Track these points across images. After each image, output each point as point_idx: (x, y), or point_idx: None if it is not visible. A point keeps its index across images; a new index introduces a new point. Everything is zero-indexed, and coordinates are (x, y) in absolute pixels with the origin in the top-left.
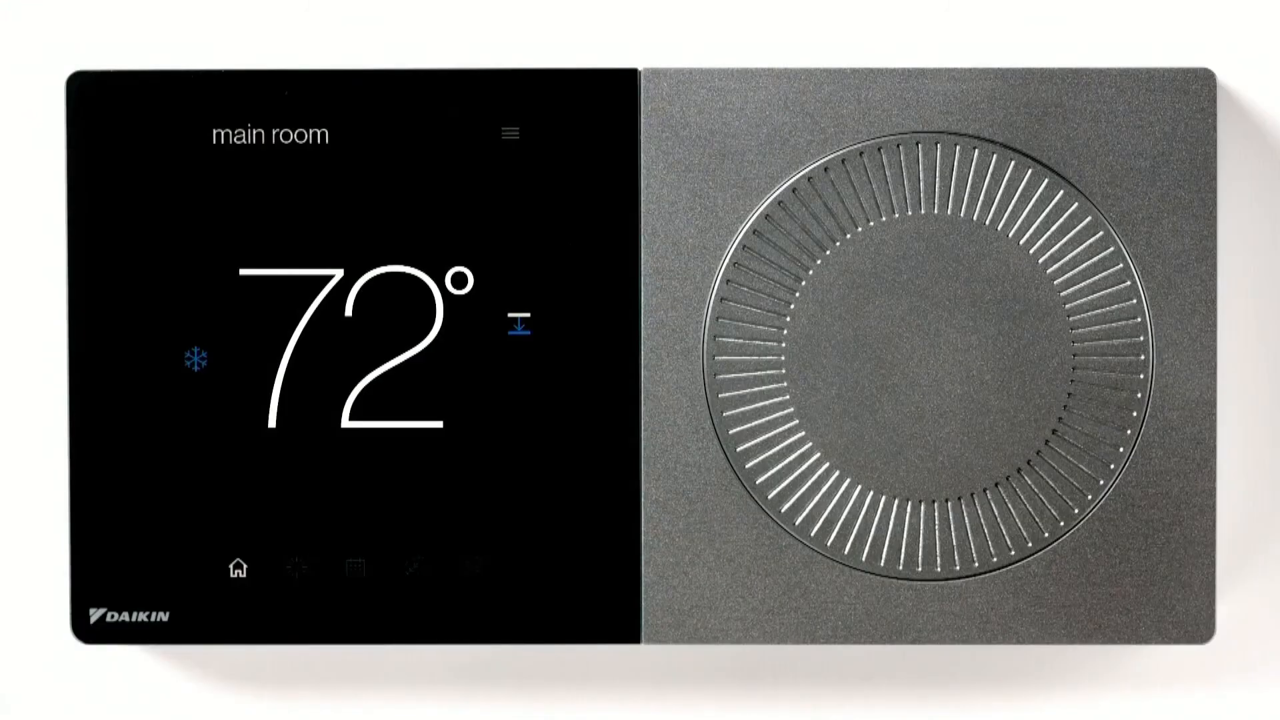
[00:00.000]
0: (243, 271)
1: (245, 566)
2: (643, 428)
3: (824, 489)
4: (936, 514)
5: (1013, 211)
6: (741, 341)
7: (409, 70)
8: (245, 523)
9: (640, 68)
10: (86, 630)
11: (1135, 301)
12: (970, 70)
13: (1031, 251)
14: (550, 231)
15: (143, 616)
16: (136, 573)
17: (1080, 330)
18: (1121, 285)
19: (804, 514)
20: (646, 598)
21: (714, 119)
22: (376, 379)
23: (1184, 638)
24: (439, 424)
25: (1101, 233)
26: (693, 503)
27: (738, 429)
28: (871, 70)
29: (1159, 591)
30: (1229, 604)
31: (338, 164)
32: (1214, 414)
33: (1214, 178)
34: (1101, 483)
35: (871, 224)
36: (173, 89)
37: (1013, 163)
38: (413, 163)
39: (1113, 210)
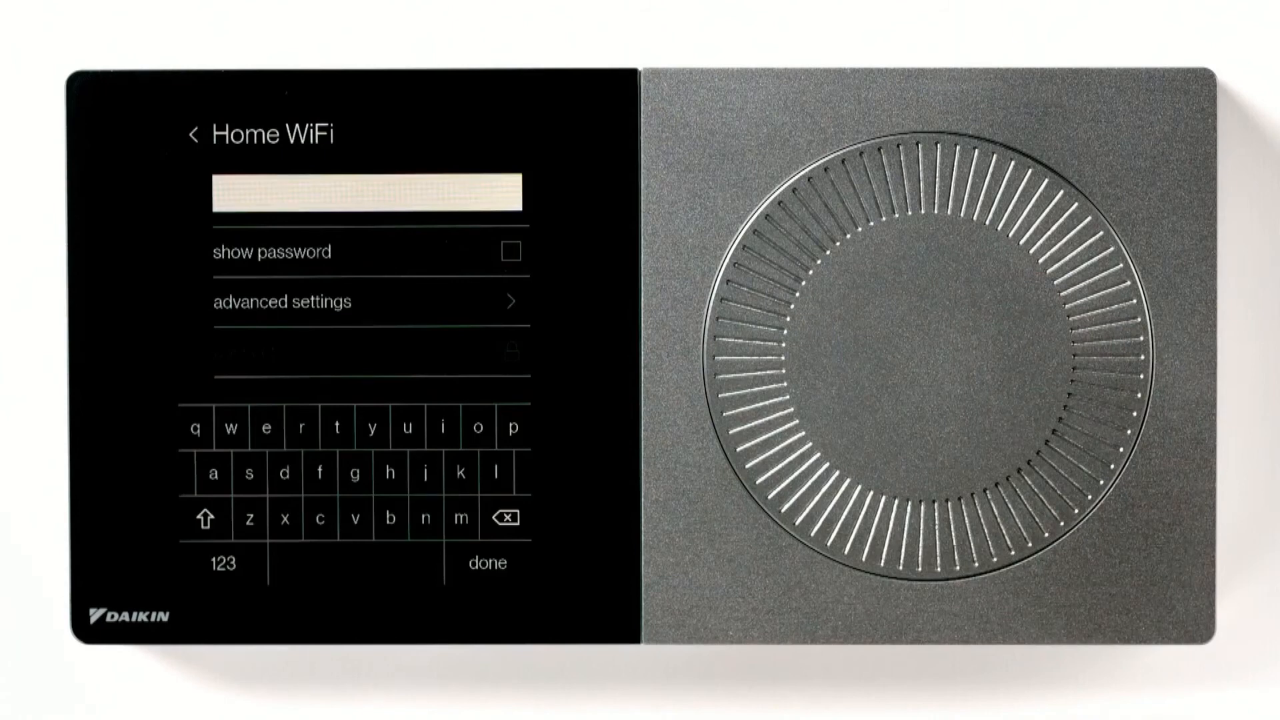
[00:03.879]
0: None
1: (245, 566)
2: (643, 428)
3: (824, 489)
4: (936, 514)
5: (1013, 211)
6: (741, 341)
7: (409, 70)
8: (245, 523)
9: (640, 68)
10: (86, 630)
11: (1135, 301)
12: (970, 70)
13: (1031, 251)
14: (550, 231)
15: (143, 616)
16: (136, 573)
17: (1080, 330)
18: (1121, 285)
19: (804, 514)
20: (646, 598)
21: (714, 119)
22: (377, 381)
23: (1184, 638)
24: (440, 424)
25: (1101, 233)
26: (693, 503)
27: (738, 429)
28: (871, 70)
29: (1159, 591)
30: (1229, 604)
31: (338, 163)
32: (1214, 414)
33: (1214, 178)
34: (1101, 483)
35: (871, 224)
36: (173, 89)
37: (1013, 163)
38: (413, 162)
39: (1113, 210)
